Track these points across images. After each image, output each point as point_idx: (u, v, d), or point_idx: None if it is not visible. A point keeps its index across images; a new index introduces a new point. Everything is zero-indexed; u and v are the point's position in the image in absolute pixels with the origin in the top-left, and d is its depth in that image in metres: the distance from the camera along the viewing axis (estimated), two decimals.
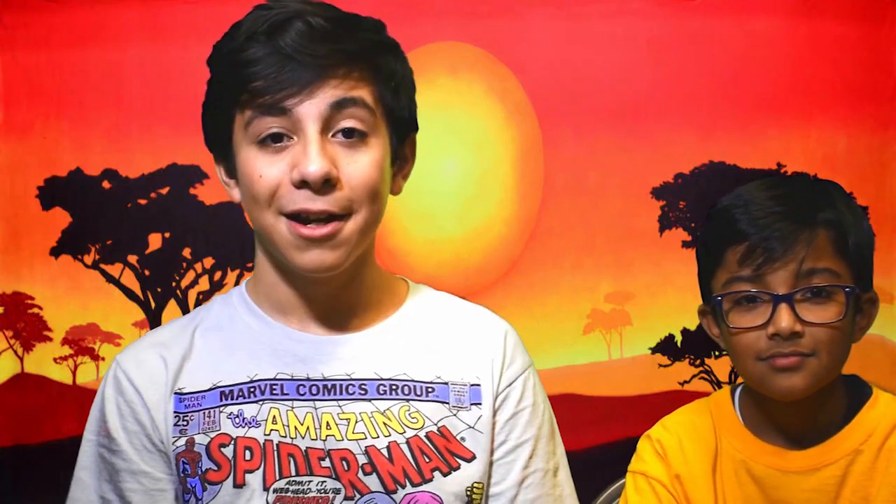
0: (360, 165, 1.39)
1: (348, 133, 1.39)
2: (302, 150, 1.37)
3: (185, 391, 1.45)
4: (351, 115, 1.39)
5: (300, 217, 1.38)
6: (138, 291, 2.91)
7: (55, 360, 2.89)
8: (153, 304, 2.90)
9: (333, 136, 1.39)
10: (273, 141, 1.38)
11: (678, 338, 2.89)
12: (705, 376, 2.89)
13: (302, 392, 1.43)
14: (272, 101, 1.36)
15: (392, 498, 1.39)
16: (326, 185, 1.37)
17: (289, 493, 1.38)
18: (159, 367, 1.46)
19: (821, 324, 1.47)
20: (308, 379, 1.44)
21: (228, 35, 1.42)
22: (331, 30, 1.38)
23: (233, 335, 1.49)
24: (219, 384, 1.45)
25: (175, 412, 1.44)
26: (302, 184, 1.36)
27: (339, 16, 1.41)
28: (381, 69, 1.43)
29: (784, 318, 1.47)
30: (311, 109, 1.37)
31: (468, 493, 1.44)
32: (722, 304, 1.53)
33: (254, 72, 1.36)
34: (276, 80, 1.36)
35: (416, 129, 1.51)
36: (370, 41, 1.42)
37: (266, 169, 1.38)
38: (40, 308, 2.90)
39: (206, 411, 1.43)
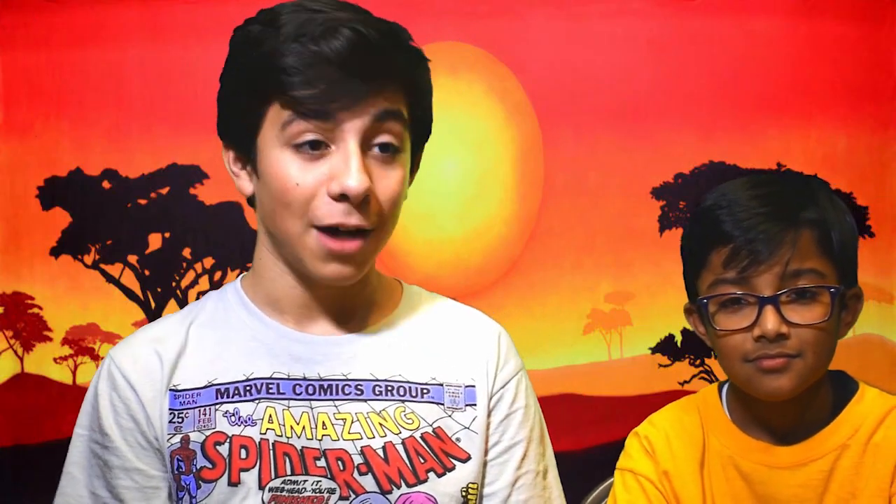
0: (391, 181, 1.40)
1: (384, 147, 1.38)
2: (343, 163, 1.36)
3: (180, 388, 1.44)
4: (389, 129, 1.38)
5: (330, 229, 1.37)
6: (138, 291, 2.91)
7: (55, 360, 2.90)
8: (153, 304, 2.91)
9: (370, 149, 1.38)
10: (311, 148, 1.37)
11: (678, 338, 2.90)
12: (705, 376, 2.90)
13: (298, 391, 1.43)
14: (321, 109, 1.34)
15: (387, 498, 1.39)
16: (363, 199, 1.36)
17: (284, 493, 1.38)
18: (154, 363, 1.45)
19: (806, 325, 1.47)
20: (304, 378, 1.44)
21: (264, 29, 1.38)
22: (380, 42, 1.36)
23: (228, 332, 1.49)
24: (214, 381, 1.44)
25: (170, 409, 1.43)
26: (341, 197, 1.36)
27: (384, 27, 1.38)
28: (416, 84, 1.43)
29: (770, 321, 1.47)
30: (356, 122, 1.36)
31: (463, 493, 1.43)
32: (708, 307, 1.53)
33: (301, 79, 1.34)
34: (327, 91, 1.34)
35: (428, 138, 1.52)
36: (412, 56, 1.42)
37: (303, 177, 1.37)
38: (40, 308, 2.91)
39: (202, 409, 1.42)
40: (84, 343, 2.89)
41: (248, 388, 1.43)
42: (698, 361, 2.90)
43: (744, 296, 1.49)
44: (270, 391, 1.43)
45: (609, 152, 2.91)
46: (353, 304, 1.50)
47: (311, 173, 1.37)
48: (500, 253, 2.94)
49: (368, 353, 1.47)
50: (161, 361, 1.45)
